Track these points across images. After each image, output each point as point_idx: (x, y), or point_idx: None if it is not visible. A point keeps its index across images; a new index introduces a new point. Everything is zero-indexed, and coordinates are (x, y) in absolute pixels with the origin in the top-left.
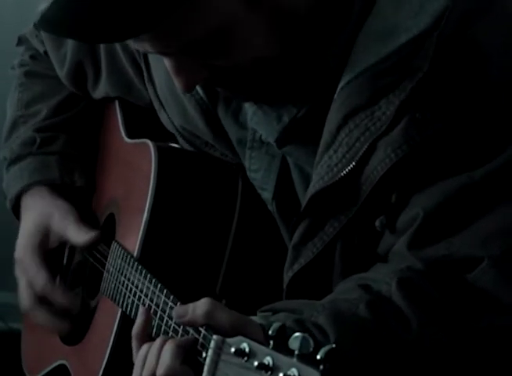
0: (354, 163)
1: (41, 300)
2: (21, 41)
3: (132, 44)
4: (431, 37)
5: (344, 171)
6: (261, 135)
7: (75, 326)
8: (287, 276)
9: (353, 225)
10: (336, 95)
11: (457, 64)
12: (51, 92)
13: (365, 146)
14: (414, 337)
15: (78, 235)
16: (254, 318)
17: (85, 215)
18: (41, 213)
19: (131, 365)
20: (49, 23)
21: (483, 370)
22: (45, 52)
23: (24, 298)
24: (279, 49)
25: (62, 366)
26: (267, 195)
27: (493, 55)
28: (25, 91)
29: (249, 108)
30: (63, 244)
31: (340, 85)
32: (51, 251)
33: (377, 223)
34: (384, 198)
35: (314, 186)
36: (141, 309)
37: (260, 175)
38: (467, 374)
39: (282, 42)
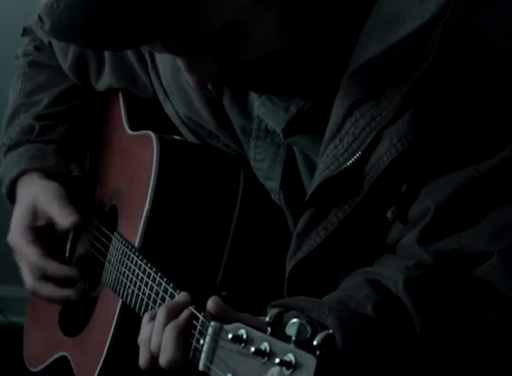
0: (360, 152)
1: (42, 276)
2: (26, 31)
3: (144, 46)
4: (437, 26)
5: (350, 161)
6: (266, 125)
7: (79, 301)
8: (289, 264)
9: (360, 215)
10: (341, 85)
11: (463, 53)
12: (54, 82)
13: (371, 136)
14: (418, 338)
15: (61, 216)
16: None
17: (86, 206)
18: (28, 195)
19: (132, 355)
20: (60, 30)
21: (488, 368)
22: (50, 43)
23: (27, 278)
24: (289, 41)
25: (64, 358)
26: (273, 184)
27: (499, 43)
28: (28, 80)
29: (256, 98)
30: (52, 224)
31: (345, 75)
32: (43, 233)
33: (389, 214)
34: (393, 188)
35: (320, 175)
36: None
37: (265, 164)
38: (472, 373)
39: (291, 34)
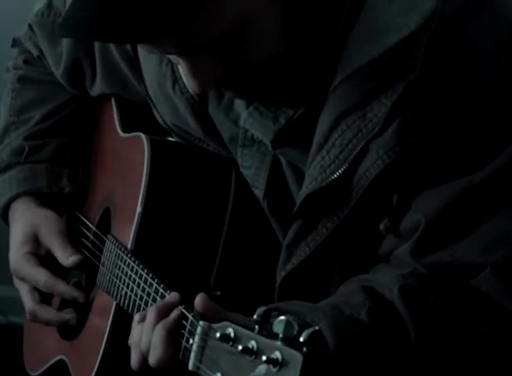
0: (347, 164)
1: (44, 300)
2: (15, 43)
3: (149, 46)
4: (422, 37)
5: (337, 173)
6: (252, 134)
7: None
8: (280, 275)
9: (350, 226)
10: (328, 96)
11: (449, 64)
12: (44, 98)
13: (358, 148)
14: (412, 345)
15: (64, 255)
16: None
17: (77, 219)
18: (29, 224)
19: (127, 357)
20: (70, 27)
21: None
22: (39, 57)
23: (28, 302)
24: (287, 44)
25: (62, 362)
26: (258, 193)
27: (485, 55)
28: (18, 97)
29: (242, 109)
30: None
31: (332, 86)
32: (43, 257)
33: (381, 227)
34: (384, 200)
35: (307, 186)
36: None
37: (252, 172)
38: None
39: (289, 36)
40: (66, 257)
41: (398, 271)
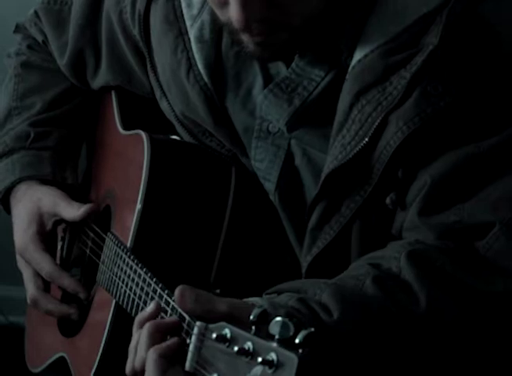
0: (367, 139)
1: (47, 288)
2: (19, 28)
3: None
4: (441, 13)
5: (358, 148)
6: (268, 126)
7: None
8: (306, 260)
9: (368, 205)
10: (348, 75)
11: (467, 39)
12: (47, 84)
13: (378, 121)
14: (422, 311)
15: (71, 210)
16: (256, 299)
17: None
18: (29, 200)
19: (127, 355)
20: None
21: (495, 344)
22: (43, 42)
23: (30, 288)
24: (323, 6)
25: (63, 358)
26: (270, 186)
27: (502, 30)
28: (21, 82)
29: (258, 93)
30: (59, 222)
31: (351, 65)
32: (50, 237)
33: (388, 201)
34: (392, 174)
35: (328, 166)
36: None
37: (264, 165)
38: (479, 350)
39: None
40: (75, 211)
41: (405, 241)
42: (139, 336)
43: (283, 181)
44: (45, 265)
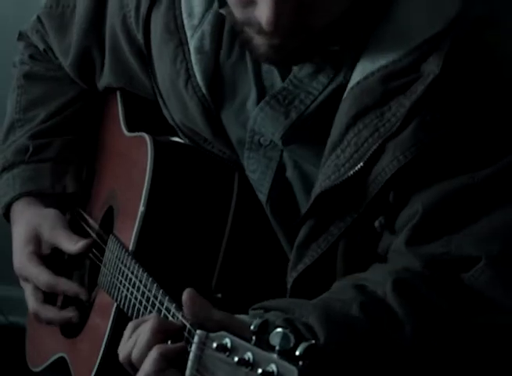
0: (362, 163)
1: (47, 300)
2: (21, 36)
3: None
4: (445, 39)
5: (352, 171)
6: (259, 139)
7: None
8: (291, 276)
9: (356, 225)
10: (345, 95)
11: (468, 67)
12: (50, 96)
13: (374, 147)
14: (407, 339)
15: (70, 244)
16: (244, 316)
17: (80, 216)
18: (29, 223)
19: None
20: None
21: (478, 371)
22: (45, 50)
23: (32, 302)
24: (342, 12)
25: (63, 359)
26: (262, 197)
27: (504, 60)
28: (23, 94)
29: (252, 105)
30: (56, 250)
31: (350, 85)
32: (47, 256)
33: (376, 224)
34: (383, 198)
35: (320, 185)
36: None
37: (256, 176)
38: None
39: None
40: (72, 244)
41: (391, 267)
42: (141, 330)
43: (274, 192)
44: (42, 277)
